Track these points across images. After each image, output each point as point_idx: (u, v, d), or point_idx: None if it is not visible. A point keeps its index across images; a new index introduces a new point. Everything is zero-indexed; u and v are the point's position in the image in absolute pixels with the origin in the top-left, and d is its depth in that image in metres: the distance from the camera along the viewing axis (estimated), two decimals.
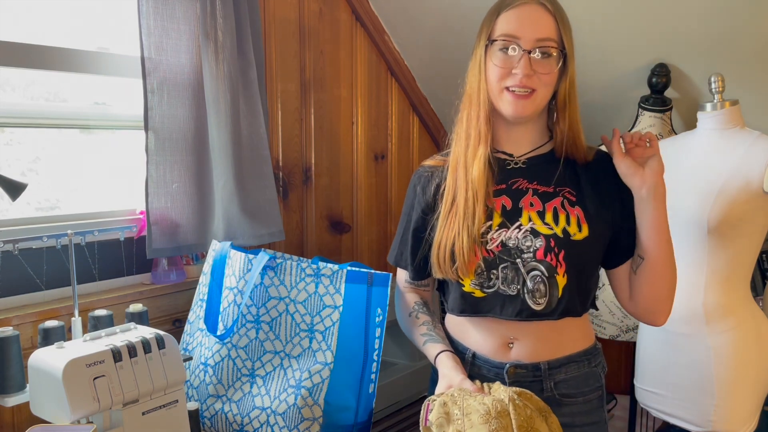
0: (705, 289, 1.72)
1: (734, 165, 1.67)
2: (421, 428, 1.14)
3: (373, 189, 2.43)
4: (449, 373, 1.21)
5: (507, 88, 1.21)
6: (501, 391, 1.12)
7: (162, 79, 1.64)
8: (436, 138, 2.67)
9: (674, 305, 1.76)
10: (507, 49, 1.20)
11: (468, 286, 1.25)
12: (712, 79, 1.76)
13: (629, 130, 2.18)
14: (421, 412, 1.16)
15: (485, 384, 1.18)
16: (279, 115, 2.05)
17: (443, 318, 1.43)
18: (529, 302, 1.22)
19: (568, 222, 1.23)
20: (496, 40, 1.21)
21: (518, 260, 1.22)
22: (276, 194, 1.88)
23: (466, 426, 1.08)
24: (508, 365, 1.26)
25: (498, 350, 1.27)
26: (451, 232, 1.25)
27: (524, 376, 1.26)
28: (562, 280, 1.22)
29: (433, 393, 1.36)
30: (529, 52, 1.19)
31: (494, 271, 1.23)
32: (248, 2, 1.78)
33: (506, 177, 1.28)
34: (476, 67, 1.26)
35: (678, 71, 2.08)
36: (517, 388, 1.14)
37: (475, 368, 1.30)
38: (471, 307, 1.27)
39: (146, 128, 1.63)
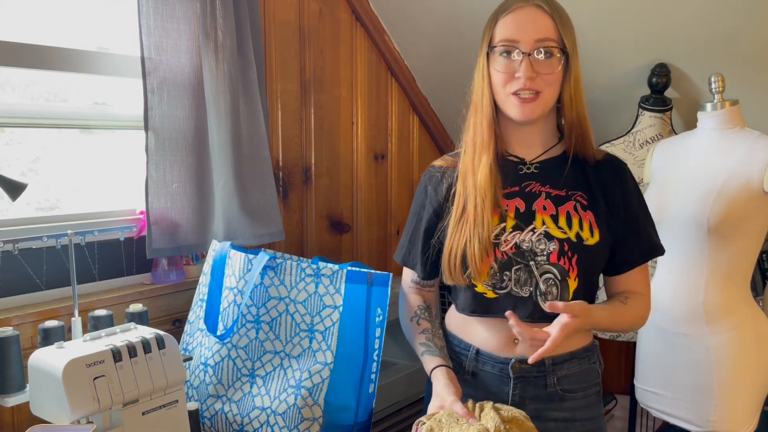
0: (705, 289, 1.72)
1: (734, 165, 1.67)
2: None
3: (373, 189, 2.43)
4: (442, 392, 1.19)
5: (513, 93, 1.21)
6: (489, 419, 1.12)
7: (162, 79, 1.64)
8: (436, 138, 2.67)
9: (674, 305, 1.77)
10: (507, 53, 1.21)
11: (480, 286, 1.26)
12: (712, 79, 1.76)
13: (629, 130, 2.18)
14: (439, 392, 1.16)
15: (478, 405, 1.17)
16: (279, 115, 2.05)
17: (443, 316, 1.44)
18: (542, 304, 1.23)
19: (581, 227, 1.24)
20: (496, 46, 1.22)
21: (532, 263, 1.23)
22: (276, 194, 1.88)
23: None
24: (513, 360, 1.26)
25: (503, 346, 1.28)
26: (462, 238, 1.25)
27: (529, 371, 1.26)
28: (573, 284, 1.23)
29: (430, 395, 1.37)
30: (529, 54, 1.19)
31: (507, 273, 1.24)
32: (248, 2, 1.78)
33: (519, 180, 1.29)
34: (480, 75, 1.27)
35: (678, 71, 2.08)
36: (509, 413, 1.13)
37: (479, 364, 1.30)
38: (482, 308, 1.27)
39: (146, 128, 1.63)
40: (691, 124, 2.12)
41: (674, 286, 1.78)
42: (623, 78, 2.19)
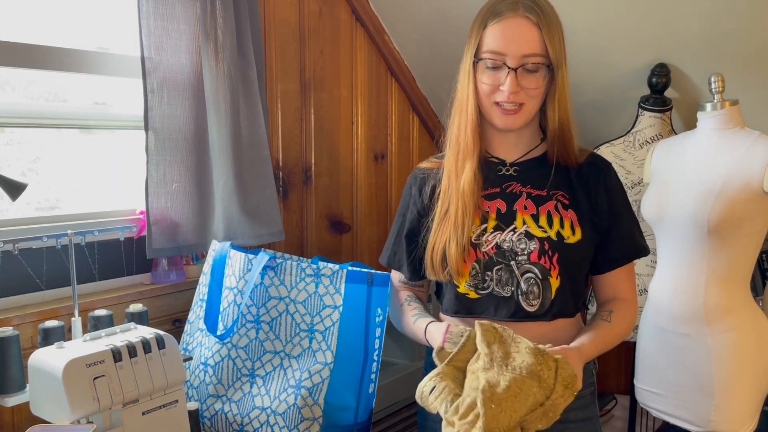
0: (705, 289, 1.72)
1: (734, 165, 1.67)
2: (435, 354, 1.15)
3: (373, 189, 2.43)
4: (445, 327, 1.21)
5: (496, 103, 1.23)
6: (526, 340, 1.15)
7: (162, 79, 1.64)
8: (436, 138, 2.67)
9: (674, 305, 1.77)
10: (494, 66, 1.21)
11: (463, 287, 1.27)
12: (712, 79, 1.76)
13: (629, 130, 2.18)
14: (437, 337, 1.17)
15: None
16: (279, 115, 2.05)
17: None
18: (523, 304, 1.24)
19: (561, 225, 1.25)
20: (483, 58, 1.23)
21: (512, 262, 1.24)
22: (276, 194, 1.88)
23: (513, 350, 1.09)
24: None
25: None
26: (443, 236, 1.27)
27: None
28: (555, 282, 1.23)
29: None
30: (515, 70, 1.19)
31: (489, 273, 1.25)
32: (248, 2, 1.78)
33: (500, 181, 1.30)
34: (465, 78, 1.27)
35: (678, 71, 2.08)
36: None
37: None
38: (465, 308, 1.28)
39: (146, 128, 1.63)
40: (691, 124, 2.12)
41: (674, 286, 1.78)
42: (623, 78, 2.18)
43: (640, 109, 2.15)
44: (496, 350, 1.09)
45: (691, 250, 1.73)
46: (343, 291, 1.38)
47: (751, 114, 1.86)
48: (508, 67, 1.20)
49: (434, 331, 1.24)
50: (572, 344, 1.19)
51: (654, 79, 2.08)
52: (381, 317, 1.35)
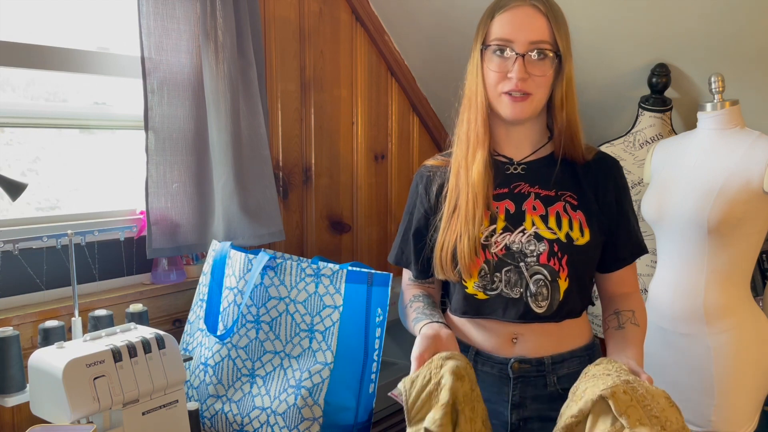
0: (705, 289, 1.72)
1: (734, 165, 1.67)
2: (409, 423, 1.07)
3: (373, 189, 2.43)
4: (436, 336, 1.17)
5: (504, 92, 1.22)
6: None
7: (162, 79, 1.64)
8: (436, 138, 2.67)
9: (674, 305, 1.77)
10: (502, 52, 1.22)
11: (471, 288, 1.26)
12: (712, 79, 1.76)
13: (629, 130, 2.18)
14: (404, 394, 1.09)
15: None
16: (279, 115, 2.05)
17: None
18: (532, 305, 1.23)
19: (570, 227, 1.24)
20: (491, 45, 1.23)
21: (522, 264, 1.24)
22: (276, 194, 1.88)
23: (657, 411, 1.00)
24: (512, 360, 1.26)
25: (502, 346, 1.28)
26: (453, 234, 1.26)
27: (528, 371, 1.27)
28: (564, 284, 1.23)
29: None
30: (523, 56, 1.20)
31: (498, 274, 1.24)
32: (248, 2, 1.78)
33: (508, 181, 1.29)
34: (474, 71, 1.27)
35: (678, 71, 2.08)
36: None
37: (479, 365, 1.30)
38: (473, 309, 1.28)
39: (146, 128, 1.63)
40: (691, 124, 2.12)
41: (674, 286, 1.78)
42: (623, 78, 2.18)
43: (640, 109, 2.15)
44: (652, 424, 0.99)
45: (691, 250, 1.73)
46: (343, 291, 1.38)
47: (751, 114, 1.85)
48: (516, 53, 1.20)
49: (428, 330, 1.22)
50: (632, 366, 1.14)
51: (654, 79, 2.08)
52: (381, 317, 1.35)
